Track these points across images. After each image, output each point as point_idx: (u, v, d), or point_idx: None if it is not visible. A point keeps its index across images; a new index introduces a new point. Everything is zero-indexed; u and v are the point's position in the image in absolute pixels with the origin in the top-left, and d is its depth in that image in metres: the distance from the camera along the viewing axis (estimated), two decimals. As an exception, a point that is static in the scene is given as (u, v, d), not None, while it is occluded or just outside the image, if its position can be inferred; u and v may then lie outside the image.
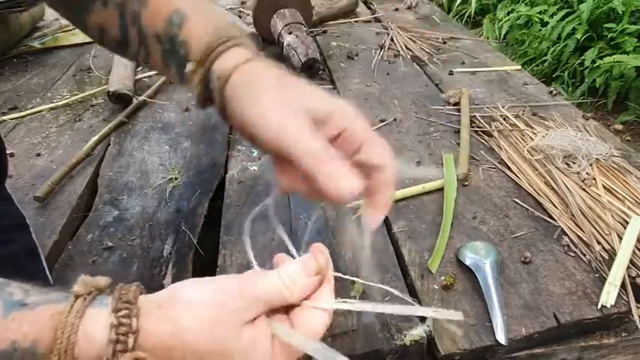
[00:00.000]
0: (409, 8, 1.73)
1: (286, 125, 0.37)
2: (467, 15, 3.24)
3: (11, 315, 0.31)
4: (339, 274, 0.39)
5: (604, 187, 0.75)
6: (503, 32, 2.82)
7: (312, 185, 0.37)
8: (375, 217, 0.41)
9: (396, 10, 1.72)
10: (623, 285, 0.60)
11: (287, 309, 0.36)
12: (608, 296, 0.58)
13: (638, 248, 0.64)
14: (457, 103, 1.04)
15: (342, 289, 0.60)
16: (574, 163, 0.81)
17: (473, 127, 0.95)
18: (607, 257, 0.64)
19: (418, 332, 0.54)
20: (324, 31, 1.55)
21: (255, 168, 0.87)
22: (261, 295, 0.33)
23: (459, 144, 0.90)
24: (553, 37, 2.44)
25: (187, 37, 0.46)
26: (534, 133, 0.90)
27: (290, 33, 1.26)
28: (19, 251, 0.60)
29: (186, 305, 0.32)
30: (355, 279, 0.42)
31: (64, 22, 1.75)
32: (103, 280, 0.34)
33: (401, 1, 1.79)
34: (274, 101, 0.39)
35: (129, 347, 0.30)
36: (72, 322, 0.30)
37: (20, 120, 1.10)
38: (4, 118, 1.10)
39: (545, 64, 2.47)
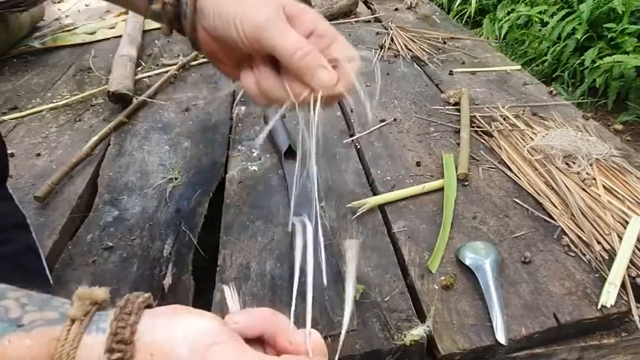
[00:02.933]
0: (409, 8, 1.73)
1: (267, 20, 0.40)
2: (467, 15, 3.24)
3: (7, 337, 0.30)
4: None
5: (604, 187, 0.75)
6: (503, 32, 2.82)
7: (279, 82, 0.42)
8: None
9: (396, 10, 1.72)
10: (623, 285, 0.60)
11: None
12: (608, 296, 0.58)
13: (638, 248, 0.64)
14: (457, 103, 1.04)
15: (342, 290, 0.60)
16: (574, 163, 0.81)
17: (473, 127, 0.95)
18: (607, 257, 0.64)
19: (418, 332, 0.54)
20: (324, 31, 1.55)
21: (255, 168, 0.87)
22: None
23: (458, 144, 0.90)
24: (553, 37, 2.44)
25: None
26: (534, 133, 0.90)
27: (290, 33, 1.26)
28: (20, 250, 0.60)
29: None
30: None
31: (64, 22, 1.75)
32: (101, 294, 0.33)
33: (401, 1, 1.79)
34: (253, 1, 0.41)
35: None
36: (67, 352, 0.30)
37: (20, 120, 1.10)
38: (4, 118, 1.10)
39: (545, 64, 2.47)
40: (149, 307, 0.34)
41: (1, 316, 0.31)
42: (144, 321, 0.32)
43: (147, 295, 0.34)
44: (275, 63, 0.43)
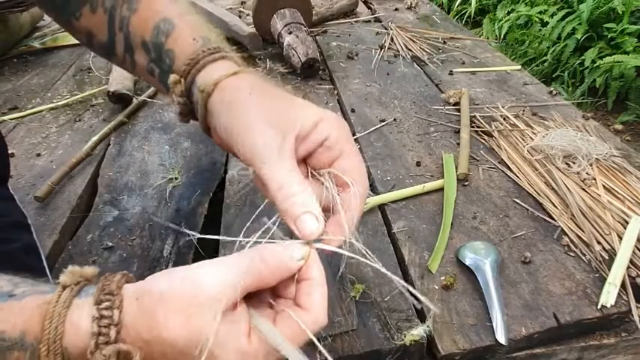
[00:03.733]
0: (409, 8, 1.73)
1: (264, 146, 0.37)
2: (467, 15, 3.25)
3: None
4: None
5: (604, 187, 0.75)
6: (503, 32, 2.82)
7: None
8: (336, 237, 0.39)
9: (396, 10, 1.72)
10: (623, 285, 0.60)
11: (272, 302, 0.36)
12: (608, 296, 0.58)
13: (638, 248, 0.64)
14: (457, 103, 1.04)
15: (342, 290, 0.60)
16: (574, 163, 0.81)
17: (473, 127, 0.95)
18: (607, 257, 0.64)
19: (418, 332, 0.54)
20: (324, 31, 1.55)
21: (255, 168, 0.87)
22: (233, 282, 0.32)
23: (458, 144, 0.90)
24: (553, 37, 2.45)
25: (173, 46, 0.46)
26: (534, 133, 0.90)
27: (290, 33, 1.26)
28: (20, 249, 0.60)
29: (159, 298, 0.31)
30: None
31: (64, 22, 1.75)
32: (90, 270, 0.34)
33: (401, 1, 1.79)
34: (255, 120, 0.39)
35: (111, 339, 0.30)
36: (59, 312, 0.30)
37: (20, 120, 1.10)
38: (4, 118, 1.10)
39: (545, 64, 2.47)
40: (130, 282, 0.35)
41: None
42: (128, 284, 0.34)
43: (129, 273, 0.35)
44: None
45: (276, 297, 0.36)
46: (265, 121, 0.39)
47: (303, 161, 0.42)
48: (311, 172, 0.42)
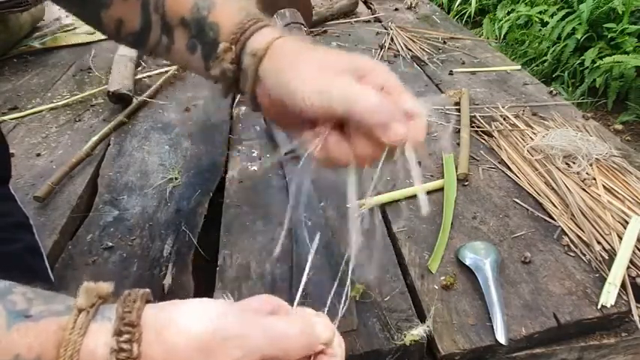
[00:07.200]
0: (409, 8, 1.73)
1: (336, 85, 0.39)
2: (467, 15, 3.24)
3: (15, 327, 0.31)
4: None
5: (604, 187, 0.75)
6: (503, 32, 2.82)
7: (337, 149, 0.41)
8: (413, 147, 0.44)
9: (396, 10, 1.72)
10: (623, 285, 0.60)
11: None
12: (608, 296, 0.58)
13: (638, 248, 0.64)
14: (457, 103, 1.04)
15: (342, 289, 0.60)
16: (574, 163, 0.81)
17: (473, 127, 0.95)
18: (607, 257, 0.64)
19: (418, 332, 0.54)
20: (324, 31, 1.55)
21: (255, 168, 0.87)
22: (258, 348, 0.32)
23: (458, 144, 0.90)
24: (553, 37, 2.45)
25: (217, 18, 0.48)
26: (534, 133, 0.90)
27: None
28: (22, 249, 0.60)
29: (187, 335, 0.31)
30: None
31: (64, 22, 1.75)
32: (106, 288, 0.34)
33: (401, 1, 1.79)
34: (317, 67, 0.41)
35: None
36: (75, 340, 0.30)
37: (20, 120, 1.10)
38: (4, 118, 1.10)
39: (545, 64, 2.47)
40: (149, 302, 0.34)
41: (9, 308, 0.31)
42: (147, 308, 0.33)
43: (148, 290, 0.34)
44: (339, 125, 0.42)
45: None
46: (328, 67, 0.41)
47: None
48: None
